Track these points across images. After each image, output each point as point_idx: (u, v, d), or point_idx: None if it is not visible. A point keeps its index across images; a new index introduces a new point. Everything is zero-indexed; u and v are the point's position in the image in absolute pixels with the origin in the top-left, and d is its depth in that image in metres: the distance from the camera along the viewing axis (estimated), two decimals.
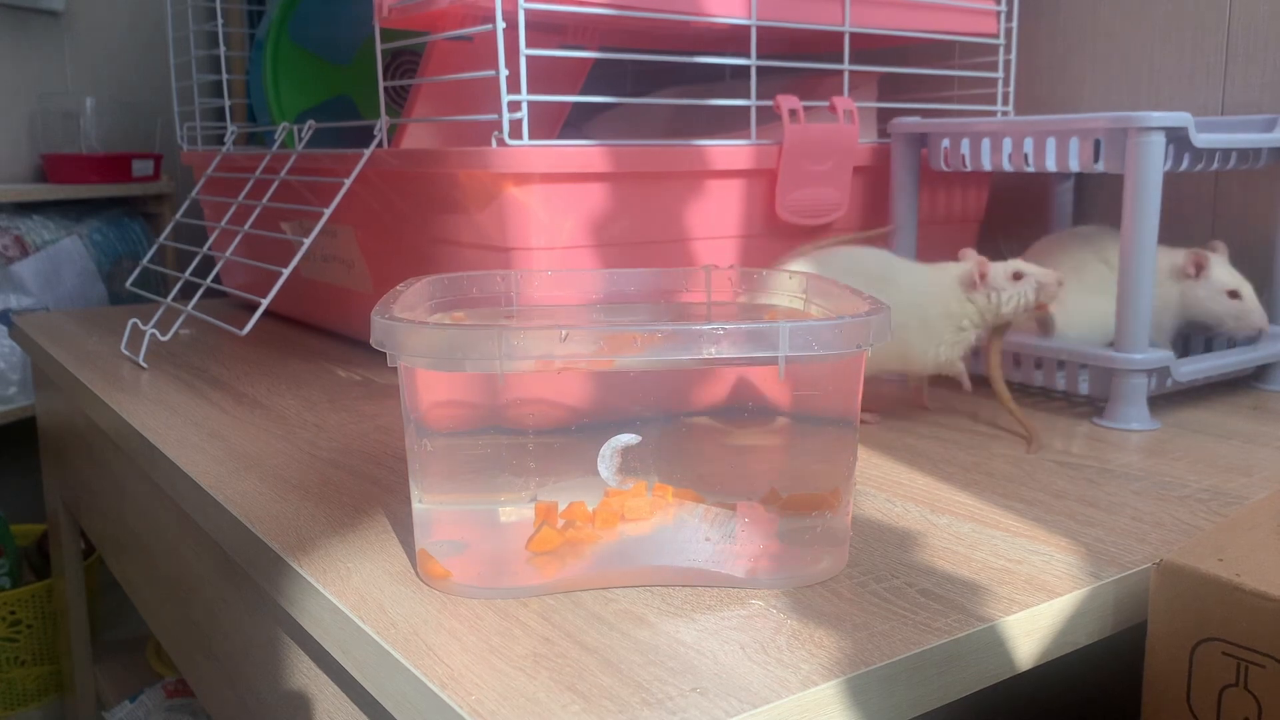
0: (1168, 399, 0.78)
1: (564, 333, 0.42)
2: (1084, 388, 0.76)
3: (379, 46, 0.85)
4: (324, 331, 1.10)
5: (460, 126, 0.91)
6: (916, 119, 0.86)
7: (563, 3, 0.77)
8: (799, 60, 0.99)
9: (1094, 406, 0.76)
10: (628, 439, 0.46)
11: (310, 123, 0.96)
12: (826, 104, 0.89)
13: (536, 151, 0.75)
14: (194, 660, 0.77)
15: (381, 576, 0.48)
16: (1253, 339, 0.81)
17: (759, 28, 0.86)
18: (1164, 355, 0.72)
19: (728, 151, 0.85)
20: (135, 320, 1.03)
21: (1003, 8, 1.01)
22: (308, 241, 0.87)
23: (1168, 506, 0.57)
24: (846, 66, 0.91)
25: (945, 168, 0.85)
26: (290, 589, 0.50)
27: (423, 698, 0.40)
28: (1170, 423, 0.73)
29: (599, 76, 1.10)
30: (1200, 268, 0.79)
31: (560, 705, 0.37)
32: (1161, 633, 0.44)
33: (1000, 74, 1.02)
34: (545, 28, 0.89)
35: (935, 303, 0.70)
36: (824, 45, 1.02)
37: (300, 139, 0.95)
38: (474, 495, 0.47)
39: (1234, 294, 0.78)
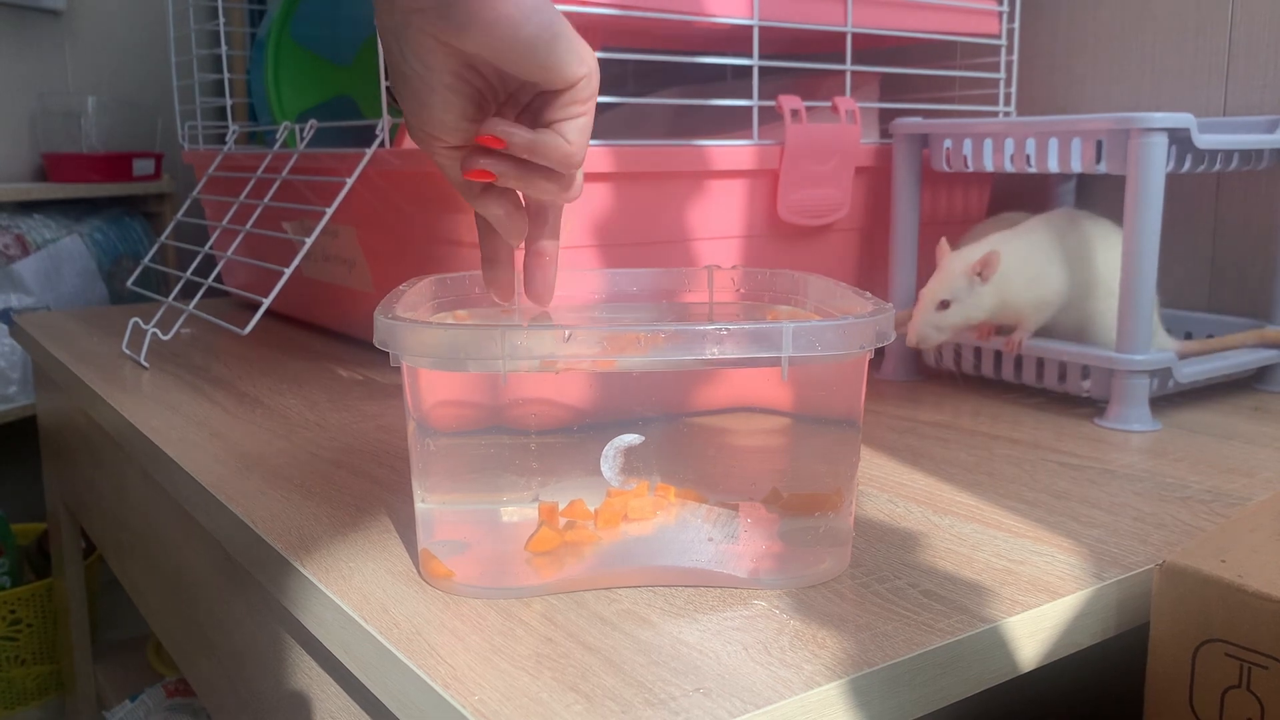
0: (1169, 400, 0.78)
1: (567, 333, 0.42)
2: (1085, 389, 0.76)
3: (380, 46, 0.85)
4: (325, 331, 1.10)
5: None
6: (918, 119, 0.86)
7: (564, 3, 0.77)
8: (801, 60, 0.99)
9: (1095, 407, 0.76)
10: (630, 439, 0.46)
11: (312, 122, 0.96)
12: (828, 104, 0.89)
13: None
14: (195, 660, 0.77)
15: (384, 576, 0.48)
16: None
17: (761, 28, 0.86)
18: (1165, 356, 0.72)
19: (730, 152, 0.85)
20: (136, 319, 1.03)
21: (1004, 8, 1.01)
22: (309, 241, 0.87)
23: (1169, 507, 0.57)
24: (849, 67, 0.91)
25: (947, 168, 0.85)
26: (292, 589, 0.50)
27: (425, 697, 0.40)
28: (1171, 424, 0.73)
29: (601, 76, 1.09)
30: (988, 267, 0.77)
31: (563, 705, 0.37)
32: (1164, 634, 0.44)
33: (1002, 74, 1.02)
34: None
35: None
36: (826, 45, 1.02)
37: (302, 139, 0.95)
38: (476, 495, 0.47)
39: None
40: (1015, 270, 0.77)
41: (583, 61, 0.47)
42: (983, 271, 0.76)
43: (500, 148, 0.47)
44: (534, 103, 0.48)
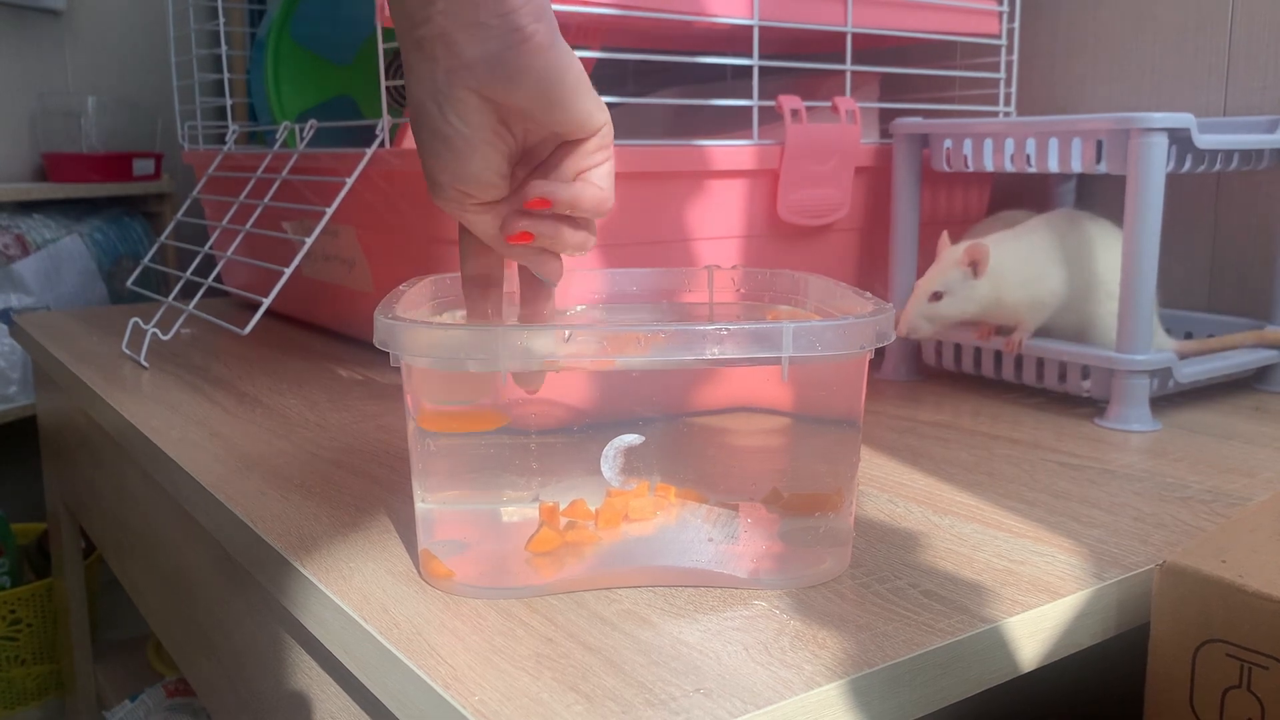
0: (1169, 400, 0.78)
1: (567, 333, 0.42)
2: (1085, 389, 0.76)
3: (380, 46, 0.85)
4: (325, 331, 1.10)
5: None
6: (918, 119, 0.86)
7: (565, 2, 0.77)
8: (801, 60, 0.99)
9: (1095, 407, 0.76)
10: (630, 439, 0.46)
11: (312, 122, 0.96)
12: (829, 104, 0.89)
13: None
14: (195, 660, 0.77)
15: (384, 576, 0.48)
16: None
17: (761, 28, 0.86)
18: (1166, 356, 0.72)
19: (730, 152, 0.85)
20: (136, 319, 1.03)
21: (1004, 8, 1.01)
22: (309, 241, 0.87)
23: (1170, 507, 0.57)
24: (849, 67, 0.91)
25: (947, 168, 0.85)
26: (292, 589, 0.50)
27: (425, 698, 0.40)
28: (1171, 424, 0.73)
29: (601, 76, 1.09)
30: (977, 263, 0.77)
31: (564, 705, 0.37)
32: (1164, 634, 0.44)
33: (1002, 74, 1.02)
34: None
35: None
36: (826, 45, 1.02)
37: (302, 139, 0.95)
38: (476, 495, 0.47)
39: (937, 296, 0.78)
40: (1013, 270, 0.77)
41: (603, 109, 0.48)
42: (974, 265, 0.76)
43: (546, 209, 0.47)
44: (552, 156, 0.49)
